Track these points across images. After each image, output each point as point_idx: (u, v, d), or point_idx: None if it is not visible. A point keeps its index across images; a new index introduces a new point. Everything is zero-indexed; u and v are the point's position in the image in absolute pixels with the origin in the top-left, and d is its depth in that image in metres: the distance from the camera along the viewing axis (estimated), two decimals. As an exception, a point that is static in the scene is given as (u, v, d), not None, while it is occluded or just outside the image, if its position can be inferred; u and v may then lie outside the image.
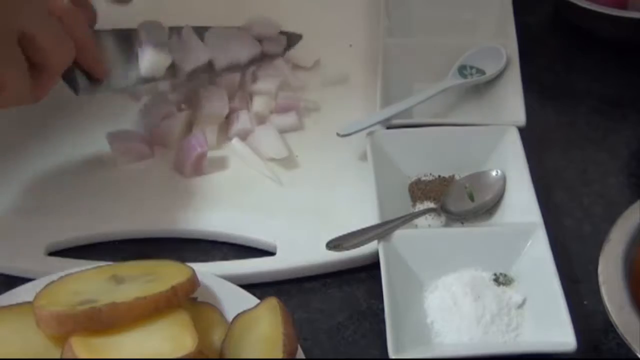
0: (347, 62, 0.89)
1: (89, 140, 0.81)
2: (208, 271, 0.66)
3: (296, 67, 0.88)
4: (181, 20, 0.83)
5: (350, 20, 0.94)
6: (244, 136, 0.80)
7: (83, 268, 0.64)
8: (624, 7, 0.88)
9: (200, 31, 0.83)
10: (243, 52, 0.83)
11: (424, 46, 0.86)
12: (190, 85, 0.84)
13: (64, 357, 0.57)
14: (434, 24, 0.91)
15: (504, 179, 0.74)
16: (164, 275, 0.62)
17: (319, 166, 0.78)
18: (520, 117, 0.77)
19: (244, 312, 0.62)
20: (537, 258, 0.67)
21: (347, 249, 0.68)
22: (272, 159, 0.78)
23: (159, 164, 0.79)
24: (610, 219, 0.68)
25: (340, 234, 0.69)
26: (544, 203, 0.71)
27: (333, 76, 0.87)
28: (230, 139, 0.80)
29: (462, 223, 0.73)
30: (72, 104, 0.83)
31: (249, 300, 0.64)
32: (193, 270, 0.63)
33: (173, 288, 0.60)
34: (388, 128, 0.78)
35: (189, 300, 0.63)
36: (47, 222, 0.74)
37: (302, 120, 0.83)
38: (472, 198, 0.74)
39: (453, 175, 0.76)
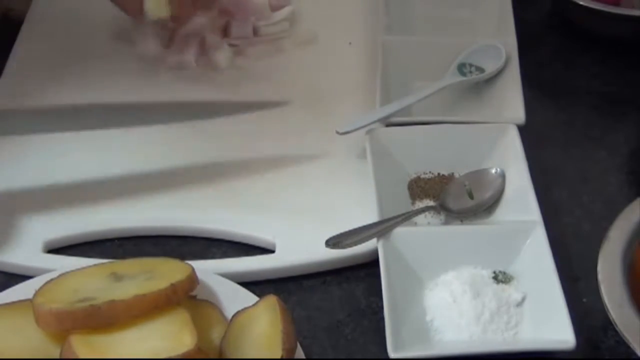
0: (346, 60, 0.89)
1: (87, 137, 0.81)
2: (207, 269, 0.66)
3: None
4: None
5: (349, 19, 0.94)
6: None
7: (82, 266, 0.64)
8: (617, 4, 0.88)
9: None
10: None
11: (424, 44, 0.86)
12: None
13: (63, 355, 0.57)
14: (434, 22, 0.91)
15: (503, 176, 0.74)
16: (163, 273, 0.62)
17: (318, 164, 0.78)
18: (520, 115, 0.77)
19: (243, 310, 0.62)
20: (537, 256, 0.67)
21: (347, 246, 0.68)
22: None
23: (158, 163, 0.79)
24: (610, 217, 0.68)
25: (340, 231, 0.69)
26: (543, 201, 0.71)
27: (332, 74, 0.87)
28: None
29: (462, 221, 0.73)
30: (73, 102, 0.84)
31: (248, 298, 0.64)
32: (192, 268, 0.63)
33: (172, 286, 0.60)
34: (387, 126, 0.78)
35: (188, 298, 0.63)
36: (45, 220, 0.74)
37: (301, 117, 0.83)
38: (471, 196, 0.74)
39: (452, 173, 0.76)
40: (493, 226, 0.72)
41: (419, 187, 0.75)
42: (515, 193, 0.73)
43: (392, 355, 0.61)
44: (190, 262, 0.64)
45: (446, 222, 0.73)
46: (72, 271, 0.63)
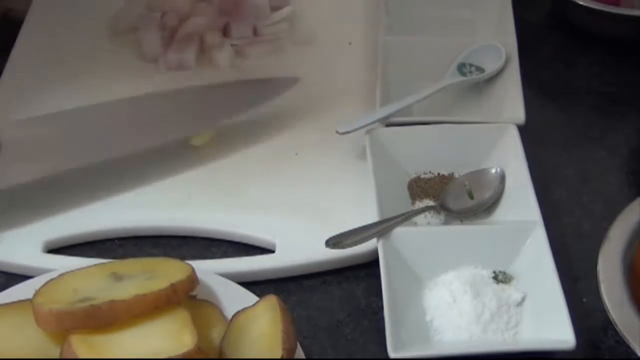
0: (346, 60, 0.89)
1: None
2: (207, 269, 0.66)
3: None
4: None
5: (349, 18, 0.94)
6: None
7: (82, 266, 0.64)
8: (617, 4, 0.88)
9: None
10: None
11: (424, 44, 0.86)
12: None
13: (63, 355, 0.57)
14: (434, 22, 0.91)
15: (503, 176, 0.74)
16: (163, 272, 0.62)
17: (318, 164, 0.78)
18: (520, 115, 0.77)
19: (243, 310, 0.62)
20: (537, 256, 0.67)
21: (347, 246, 0.68)
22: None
23: (158, 163, 0.79)
24: (610, 217, 0.68)
25: (340, 231, 0.69)
26: (543, 201, 0.71)
27: (332, 74, 0.87)
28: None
29: (462, 221, 0.73)
30: (73, 102, 0.84)
31: (248, 298, 0.64)
32: (192, 268, 0.63)
33: (172, 286, 0.60)
34: (387, 126, 0.78)
35: (188, 298, 0.63)
36: (45, 220, 0.74)
37: (301, 118, 0.83)
38: (471, 196, 0.74)
39: (452, 173, 0.76)
40: (493, 226, 0.72)
41: (419, 187, 0.75)
42: (515, 193, 0.73)
43: (392, 355, 0.61)
44: (190, 262, 0.64)
45: (446, 222, 0.73)
46: (72, 271, 0.63)
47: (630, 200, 0.69)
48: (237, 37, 0.89)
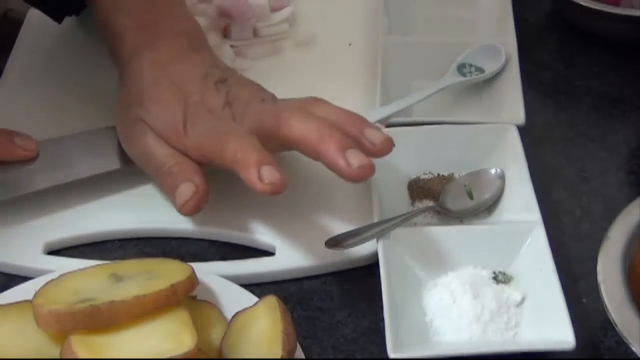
0: (346, 61, 0.89)
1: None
2: (207, 270, 0.66)
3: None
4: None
5: (349, 19, 0.94)
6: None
7: (82, 267, 0.64)
8: (617, 4, 0.88)
9: None
10: None
11: (423, 44, 0.86)
12: None
13: (63, 355, 0.57)
14: (433, 22, 0.91)
15: (503, 177, 0.74)
16: (163, 273, 0.62)
17: (318, 165, 0.78)
18: (520, 116, 0.77)
19: (243, 310, 0.62)
20: (536, 256, 0.67)
21: (347, 247, 0.68)
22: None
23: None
24: (610, 217, 0.68)
25: (340, 232, 0.69)
26: (543, 201, 0.71)
27: (332, 74, 0.87)
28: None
29: (461, 221, 0.73)
30: (73, 102, 0.84)
31: (248, 298, 0.64)
32: (192, 269, 0.63)
33: (172, 286, 0.60)
34: (387, 126, 0.78)
35: (188, 298, 0.63)
36: (45, 221, 0.74)
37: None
38: (471, 196, 0.74)
39: (452, 174, 0.76)
40: (493, 226, 0.72)
41: (419, 188, 0.75)
42: (515, 193, 0.73)
43: (391, 355, 0.61)
44: (190, 263, 0.64)
45: (446, 223, 0.73)
46: (73, 272, 0.63)
47: (630, 200, 0.69)
48: (237, 38, 0.90)
